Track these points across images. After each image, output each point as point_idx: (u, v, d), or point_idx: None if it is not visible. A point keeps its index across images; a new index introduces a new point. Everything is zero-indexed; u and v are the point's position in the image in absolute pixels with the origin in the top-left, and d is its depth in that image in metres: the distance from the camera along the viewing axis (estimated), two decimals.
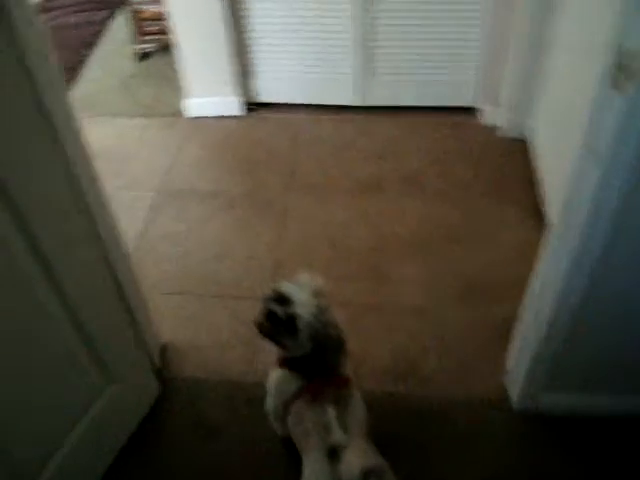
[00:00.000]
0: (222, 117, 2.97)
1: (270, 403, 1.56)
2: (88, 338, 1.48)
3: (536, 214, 2.34)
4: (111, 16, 3.88)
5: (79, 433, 1.54)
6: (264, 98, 2.99)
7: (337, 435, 1.26)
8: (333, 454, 1.23)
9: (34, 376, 1.35)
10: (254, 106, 3.00)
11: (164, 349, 1.98)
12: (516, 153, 2.64)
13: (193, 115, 3.00)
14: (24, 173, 1.19)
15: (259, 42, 2.79)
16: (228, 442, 1.74)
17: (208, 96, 2.93)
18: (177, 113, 3.02)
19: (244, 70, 2.88)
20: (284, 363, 1.45)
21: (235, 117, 2.97)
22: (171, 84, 3.08)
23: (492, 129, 2.75)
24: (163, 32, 3.22)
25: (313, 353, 1.36)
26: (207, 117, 2.98)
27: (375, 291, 2.13)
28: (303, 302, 1.34)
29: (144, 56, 3.47)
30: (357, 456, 1.21)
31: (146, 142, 2.91)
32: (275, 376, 1.51)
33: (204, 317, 2.09)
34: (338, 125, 2.89)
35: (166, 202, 2.57)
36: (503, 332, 1.86)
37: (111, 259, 1.55)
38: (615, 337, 1.53)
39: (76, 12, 3.91)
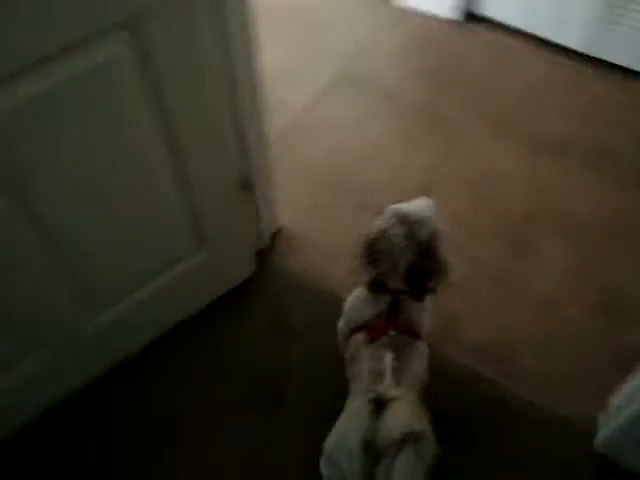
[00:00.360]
0: (432, 16, 2.72)
1: (341, 321, 1.51)
2: (194, 199, 1.45)
3: None
4: None
5: (157, 285, 1.57)
6: (484, 11, 2.67)
7: (388, 385, 1.18)
8: (379, 404, 1.15)
9: (131, 222, 1.38)
10: (470, 17, 2.71)
11: (276, 233, 1.96)
12: None
13: (404, 3, 2.77)
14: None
15: None
16: (299, 349, 1.73)
17: None
18: None
19: None
20: (372, 284, 1.36)
21: (446, 21, 2.71)
22: None
23: None
24: None
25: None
26: (417, 10, 2.74)
27: (507, 260, 1.93)
28: (417, 208, 1.30)
29: None
30: (401, 417, 1.13)
31: (345, 15, 2.76)
32: (354, 294, 1.45)
33: (329, 218, 2.02)
34: (550, 66, 2.54)
35: (342, 85, 2.46)
36: (625, 365, 1.62)
37: (244, 122, 1.47)
38: None
39: None
